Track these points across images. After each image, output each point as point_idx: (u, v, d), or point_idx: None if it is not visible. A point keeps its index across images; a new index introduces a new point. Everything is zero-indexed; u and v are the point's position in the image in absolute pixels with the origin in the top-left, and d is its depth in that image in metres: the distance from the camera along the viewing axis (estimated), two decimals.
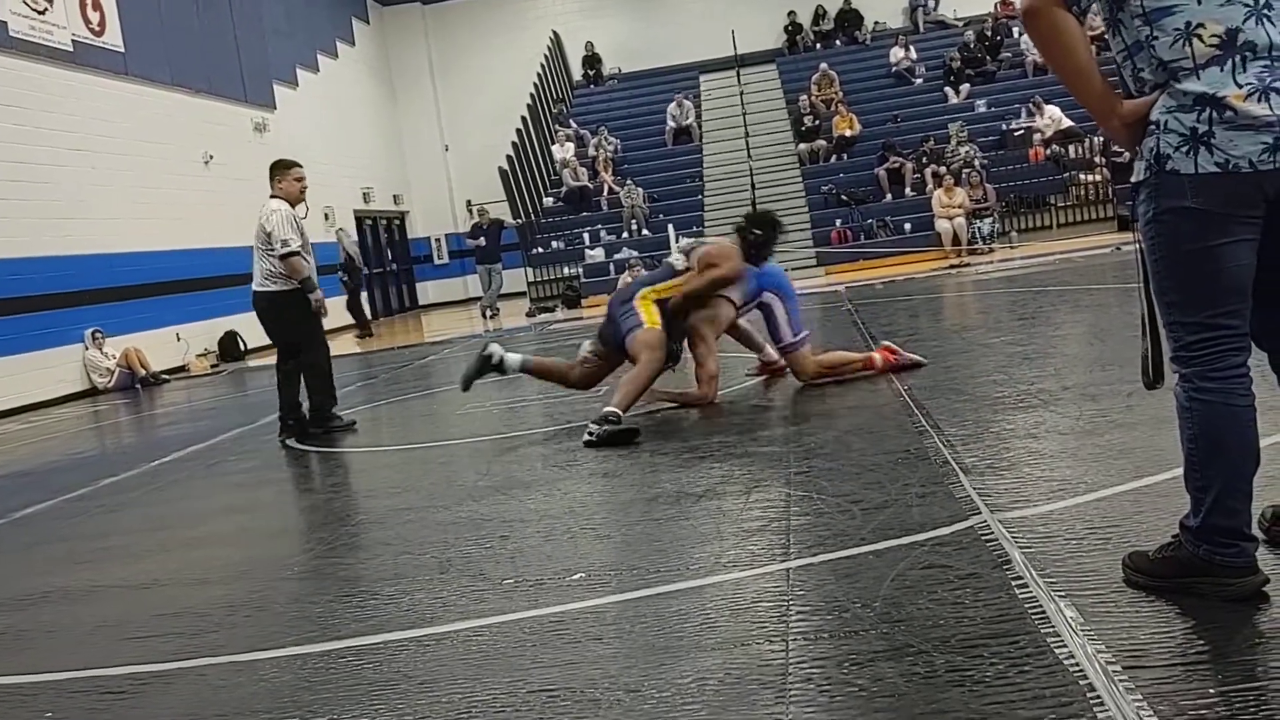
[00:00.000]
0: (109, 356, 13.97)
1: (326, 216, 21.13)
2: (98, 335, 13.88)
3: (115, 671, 3.00)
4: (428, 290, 25.77)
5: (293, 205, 7.20)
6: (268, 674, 2.81)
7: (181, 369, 15.45)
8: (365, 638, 2.96)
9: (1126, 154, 11.62)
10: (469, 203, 25.31)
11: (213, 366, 15.84)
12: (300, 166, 7.39)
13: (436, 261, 26.04)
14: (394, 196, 25.07)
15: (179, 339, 15.72)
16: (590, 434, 5.27)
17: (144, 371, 14.12)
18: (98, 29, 14.88)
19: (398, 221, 25.62)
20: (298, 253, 6.97)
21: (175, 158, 16.20)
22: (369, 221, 23.71)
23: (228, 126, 17.89)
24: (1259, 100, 2.21)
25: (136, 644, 3.25)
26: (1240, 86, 2.22)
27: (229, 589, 3.72)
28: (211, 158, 17.10)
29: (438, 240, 26.06)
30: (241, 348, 16.81)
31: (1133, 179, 2.42)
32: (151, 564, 4.28)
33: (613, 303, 6.10)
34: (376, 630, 3.01)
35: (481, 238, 18.35)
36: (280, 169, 7.32)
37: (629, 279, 14.80)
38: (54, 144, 13.61)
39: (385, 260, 24.46)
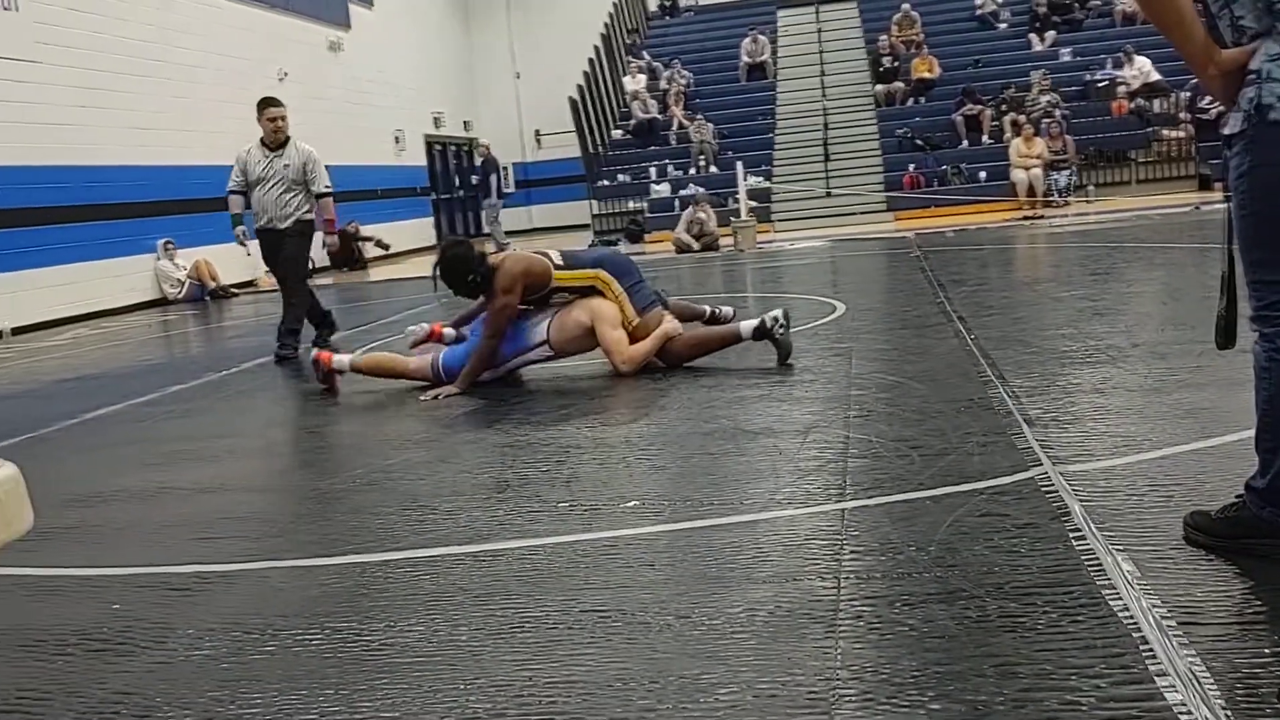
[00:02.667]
0: (180, 267, 14.24)
1: (397, 140, 21.24)
2: (169, 246, 14.14)
3: (181, 569, 3.10)
4: None
5: (267, 145, 7.59)
6: (328, 579, 2.88)
7: (250, 284, 15.69)
8: (423, 550, 3.02)
9: (1213, 110, 11.20)
10: (537, 132, 25.26)
11: None
12: (276, 105, 7.60)
13: (503, 189, 26.03)
14: (464, 123, 25.06)
15: (249, 254, 15.87)
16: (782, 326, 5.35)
17: (213, 284, 14.39)
18: None
19: (466, 148, 25.64)
20: (233, 191, 7.73)
21: (251, 73, 16.28)
22: (438, 147, 23.76)
23: (303, 44, 17.96)
24: None
25: (202, 544, 3.35)
26: None
27: (292, 497, 3.81)
28: (286, 75, 17.18)
29: (505, 168, 26.02)
30: (310, 266, 16.99)
31: (1226, 131, 2.34)
32: (218, 469, 4.39)
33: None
34: (434, 544, 3.07)
35: (474, 175, 18.62)
36: (257, 108, 7.64)
37: (700, 214, 14.75)
38: (132, 54, 13.76)
39: (453, 186, 24.53)
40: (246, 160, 7.63)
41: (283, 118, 7.56)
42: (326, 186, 7.77)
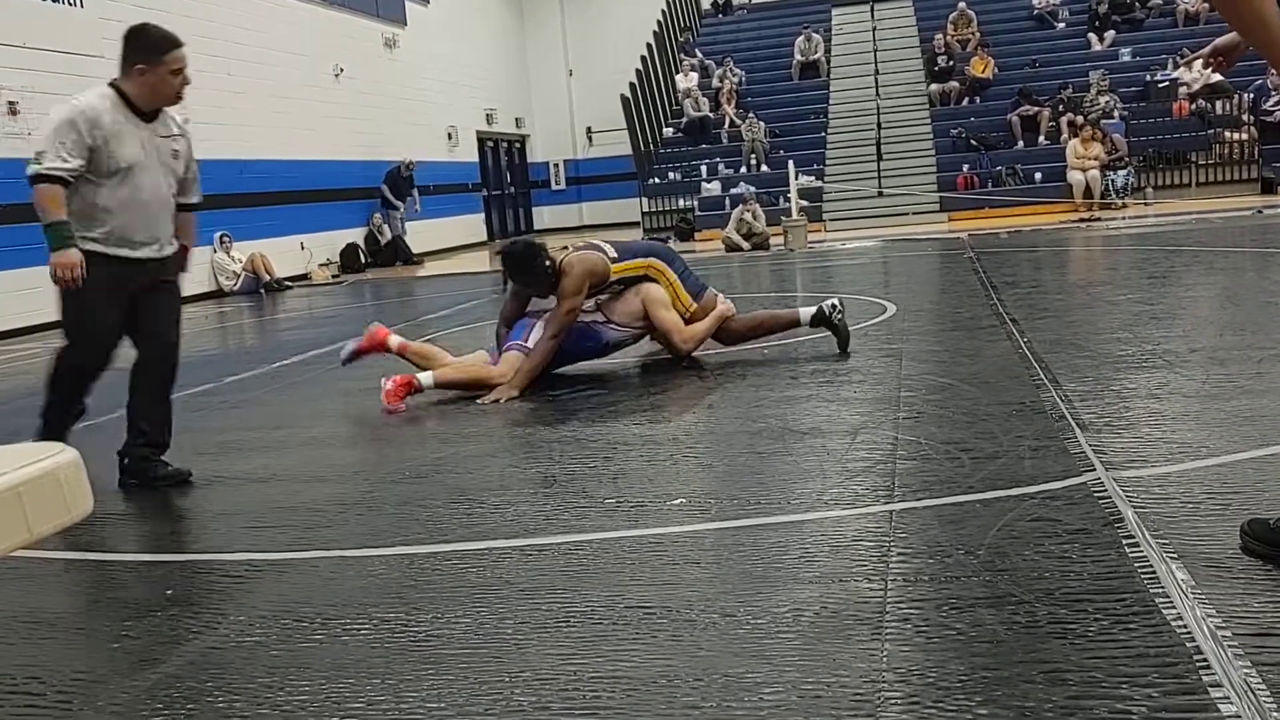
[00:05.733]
0: (236, 260, 14.44)
1: (450, 136, 21.40)
2: (226, 239, 14.35)
3: (233, 557, 3.14)
4: (544, 215, 25.94)
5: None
6: (376, 570, 2.91)
7: (304, 277, 15.89)
8: (470, 543, 3.04)
9: (1278, 112, 10.97)
10: (589, 129, 25.32)
11: (334, 277, 16.25)
12: None
13: (554, 187, 26.16)
14: (516, 119, 25.18)
15: (303, 248, 16.14)
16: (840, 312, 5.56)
17: (268, 277, 14.57)
18: None
19: (518, 145, 25.75)
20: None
21: (307, 69, 16.51)
22: (490, 143, 23.90)
23: (359, 40, 18.14)
24: None
25: (254, 533, 3.39)
26: None
27: (342, 487, 3.85)
28: (342, 71, 17.37)
29: (556, 165, 26.15)
30: (363, 260, 17.21)
31: None
32: (270, 459, 4.45)
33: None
34: (481, 537, 3.09)
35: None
36: None
37: (746, 213, 14.70)
38: (193, 50, 13.85)
39: (504, 183, 24.67)
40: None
41: None
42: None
